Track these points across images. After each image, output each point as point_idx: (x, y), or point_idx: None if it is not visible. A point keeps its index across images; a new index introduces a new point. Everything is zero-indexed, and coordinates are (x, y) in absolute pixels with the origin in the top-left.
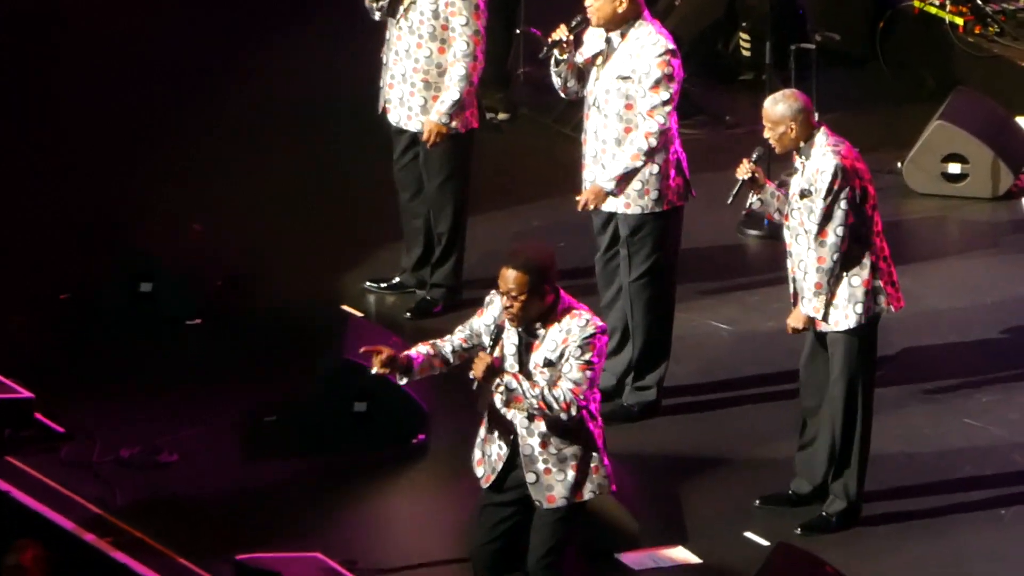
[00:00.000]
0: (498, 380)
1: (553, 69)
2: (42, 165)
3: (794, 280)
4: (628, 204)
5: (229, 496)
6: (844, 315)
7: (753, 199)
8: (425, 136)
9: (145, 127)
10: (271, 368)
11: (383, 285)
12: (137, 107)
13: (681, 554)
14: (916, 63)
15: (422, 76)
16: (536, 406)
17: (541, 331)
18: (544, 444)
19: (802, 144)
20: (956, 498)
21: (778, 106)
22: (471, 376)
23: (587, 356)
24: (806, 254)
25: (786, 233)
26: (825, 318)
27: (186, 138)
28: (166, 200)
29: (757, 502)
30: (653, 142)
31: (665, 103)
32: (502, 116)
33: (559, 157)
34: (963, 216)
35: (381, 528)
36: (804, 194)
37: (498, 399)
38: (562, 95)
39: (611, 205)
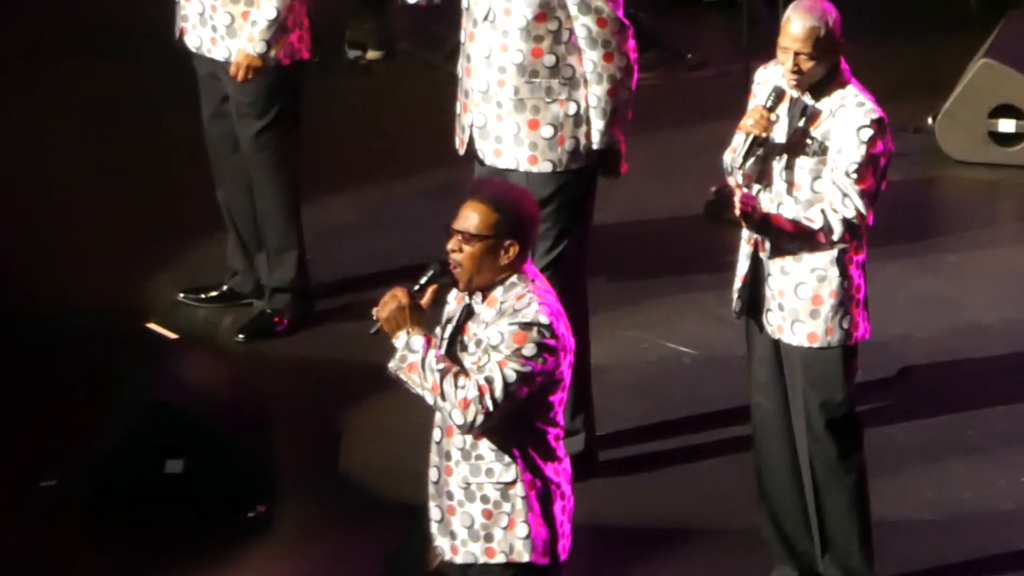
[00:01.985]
0: (403, 333)
1: None
2: None
3: (754, 258)
4: (534, 159)
5: None
6: (826, 328)
7: (749, 163)
8: (233, 70)
9: None
10: (52, 410)
11: (205, 296)
12: None
13: None
14: None
15: None
16: (428, 387)
17: (478, 305)
18: (449, 470)
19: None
20: None
21: (828, 19)
22: (373, 314)
23: (509, 350)
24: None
25: (759, 196)
26: (794, 328)
27: None
28: None
29: None
30: (620, 59)
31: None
32: (373, 54)
33: (452, 108)
34: (1020, 192)
35: None
36: (815, 151)
37: (393, 360)
38: None
39: (508, 160)
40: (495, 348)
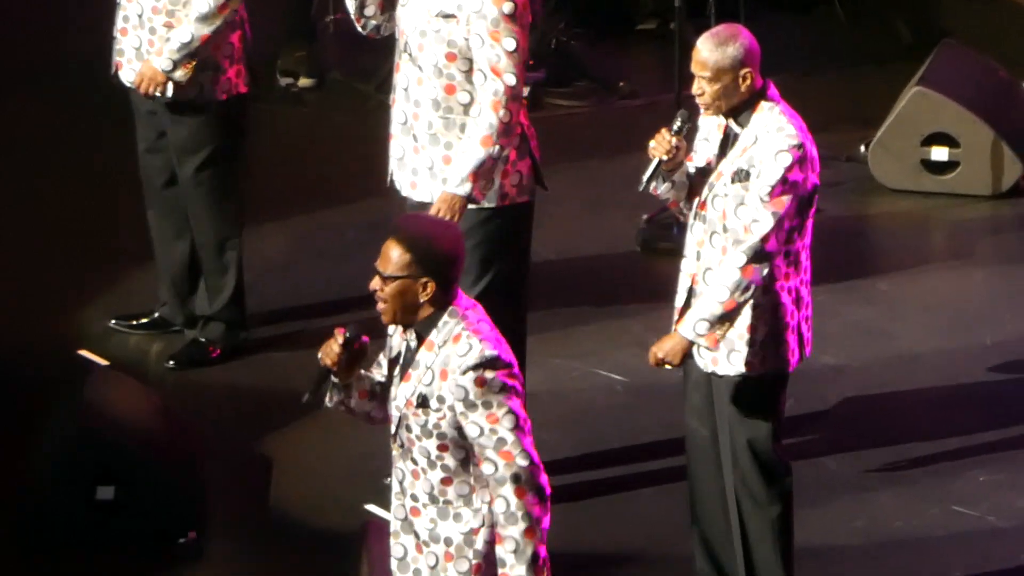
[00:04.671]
0: None
1: None
2: None
3: (691, 292)
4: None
5: None
6: (758, 357)
7: (662, 185)
8: (136, 79)
9: None
10: None
11: (136, 323)
12: None
13: None
14: (885, 7)
15: (164, 19)
16: (534, 543)
17: (413, 343)
18: (416, 511)
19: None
20: None
21: (727, 47)
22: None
23: (482, 398)
24: (721, 259)
25: (695, 227)
26: (730, 357)
27: None
28: None
29: None
30: (504, 113)
31: (512, 52)
32: (304, 82)
33: (384, 139)
34: (952, 221)
35: None
36: (740, 176)
37: None
38: (358, 27)
39: (423, 193)
40: (469, 405)
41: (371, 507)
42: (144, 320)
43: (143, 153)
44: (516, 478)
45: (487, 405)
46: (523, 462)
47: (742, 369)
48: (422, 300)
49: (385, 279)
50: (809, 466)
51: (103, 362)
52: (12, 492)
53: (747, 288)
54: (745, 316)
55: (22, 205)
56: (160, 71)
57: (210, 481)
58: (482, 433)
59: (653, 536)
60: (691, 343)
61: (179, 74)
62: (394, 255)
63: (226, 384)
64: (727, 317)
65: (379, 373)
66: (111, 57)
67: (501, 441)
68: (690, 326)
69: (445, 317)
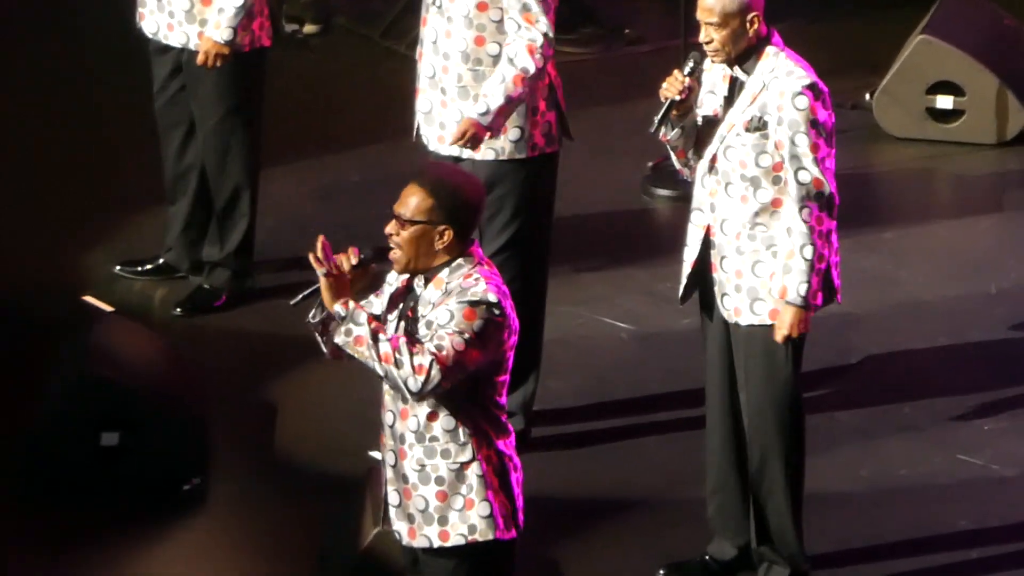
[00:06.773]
0: (343, 309)
1: None
2: None
3: (706, 243)
4: (478, 147)
5: None
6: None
7: (672, 132)
8: (200, 58)
9: None
10: None
11: (142, 269)
12: None
13: None
14: None
15: None
16: (379, 358)
17: (420, 288)
18: (403, 453)
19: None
20: (947, 559)
21: None
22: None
23: (459, 327)
24: (740, 208)
25: (707, 180)
26: (754, 307)
27: None
28: None
29: (661, 572)
30: (539, 59)
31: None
32: (310, 28)
33: (389, 85)
34: (957, 169)
35: None
36: (755, 126)
37: (338, 336)
38: None
39: (452, 150)
40: (444, 326)
41: (375, 453)
42: (149, 266)
43: (160, 107)
44: (427, 369)
45: (458, 330)
46: (442, 375)
47: (767, 320)
48: (438, 247)
49: (404, 222)
50: (815, 414)
51: (108, 308)
52: (17, 437)
53: (827, 235)
54: (768, 264)
55: (28, 149)
56: (222, 43)
57: (215, 427)
58: (439, 337)
59: (658, 482)
60: (804, 308)
61: (239, 39)
62: (416, 199)
63: (231, 330)
64: (819, 270)
65: (375, 304)
66: (136, 5)
67: (440, 347)
68: (795, 293)
69: (460, 260)
